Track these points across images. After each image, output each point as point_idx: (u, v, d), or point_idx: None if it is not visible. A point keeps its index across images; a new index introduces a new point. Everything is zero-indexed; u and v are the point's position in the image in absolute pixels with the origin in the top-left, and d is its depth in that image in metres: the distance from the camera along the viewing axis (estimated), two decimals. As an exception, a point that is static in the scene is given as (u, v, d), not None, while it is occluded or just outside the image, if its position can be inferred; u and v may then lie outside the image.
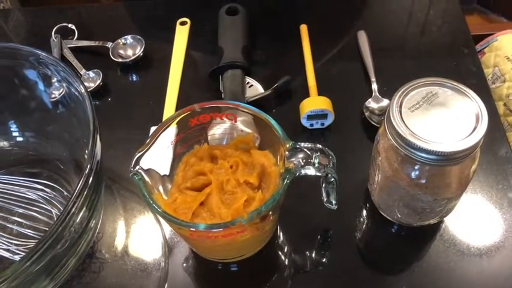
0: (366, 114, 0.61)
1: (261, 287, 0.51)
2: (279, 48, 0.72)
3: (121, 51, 0.71)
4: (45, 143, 0.59)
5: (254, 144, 0.50)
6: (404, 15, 0.75)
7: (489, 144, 0.57)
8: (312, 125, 0.61)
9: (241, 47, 0.66)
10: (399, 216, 0.51)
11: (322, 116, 0.60)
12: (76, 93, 0.49)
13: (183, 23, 0.74)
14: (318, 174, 0.45)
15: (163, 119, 0.63)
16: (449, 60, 0.68)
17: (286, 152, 0.45)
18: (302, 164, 0.44)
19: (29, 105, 0.57)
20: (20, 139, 0.60)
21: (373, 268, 0.51)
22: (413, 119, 0.41)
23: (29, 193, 0.54)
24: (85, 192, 0.42)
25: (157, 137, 0.46)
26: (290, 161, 0.44)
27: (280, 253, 0.53)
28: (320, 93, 0.63)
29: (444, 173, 0.43)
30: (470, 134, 0.40)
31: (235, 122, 0.50)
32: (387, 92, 0.63)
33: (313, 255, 0.52)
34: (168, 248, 0.53)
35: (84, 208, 0.43)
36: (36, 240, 0.51)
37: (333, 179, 0.46)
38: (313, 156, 0.44)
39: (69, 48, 0.71)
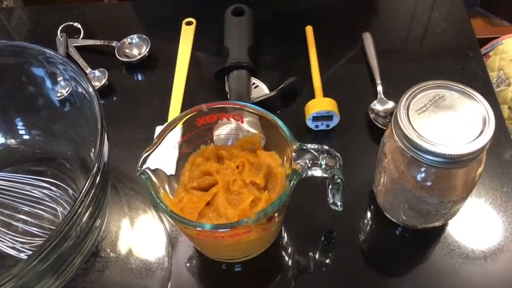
0: (371, 116, 0.61)
1: (264, 287, 0.51)
2: (285, 50, 0.72)
3: (127, 51, 0.72)
4: (51, 141, 0.59)
5: (260, 145, 0.50)
6: (409, 17, 0.75)
7: (494, 147, 0.57)
8: (317, 126, 0.61)
9: (247, 47, 0.66)
10: (404, 218, 0.51)
11: (328, 117, 0.60)
12: (84, 92, 0.49)
13: (189, 23, 0.74)
14: (325, 175, 0.45)
15: (169, 119, 0.63)
16: (454, 62, 0.68)
17: (293, 153, 0.45)
18: (309, 165, 0.44)
19: (36, 104, 0.58)
20: (26, 137, 0.60)
21: (377, 270, 0.52)
22: (420, 121, 0.42)
23: (34, 191, 0.54)
24: (92, 192, 0.42)
25: (165, 136, 0.46)
26: (297, 162, 0.44)
27: (284, 254, 0.53)
28: (325, 95, 0.63)
29: (450, 175, 0.44)
30: (477, 137, 0.40)
31: (242, 122, 0.50)
32: (392, 94, 0.63)
33: (318, 256, 0.52)
34: (172, 248, 0.53)
35: (91, 207, 0.43)
36: (42, 239, 0.51)
37: (339, 180, 0.46)
38: (320, 157, 0.44)
39: (75, 47, 0.71)
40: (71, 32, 0.73)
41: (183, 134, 0.49)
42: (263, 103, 0.62)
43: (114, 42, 0.72)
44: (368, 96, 0.64)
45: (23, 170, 0.58)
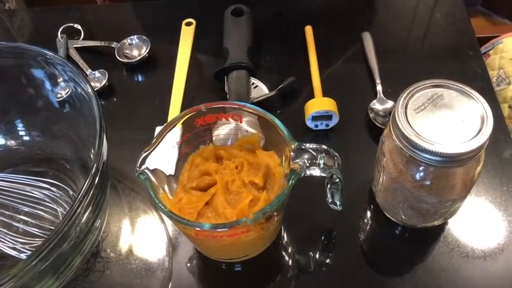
0: (371, 115, 0.61)
1: (264, 287, 0.51)
2: (284, 50, 0.72)
3: (127, 52, 0.72)
4: (51, 142, 0.59)
5: (259, 145, 0.50)
6: (409, 17, 0.75)
7: (493, 146, 0.57)
8: (316, 126, 0.61)
9: (246, 48, 0.66)
10: (403, 217, 0.51)
11: (327, 117, 0.60)
12: (83, 93, 0.49)
13: (188, 24, 0.74)
14: (323, 175, 0.45)
15: (169, 119, 0.63)
16: (454, 62, 0.68)
17: (292, 153, 0.45)
18: (307, 164, 0.44)
19: (35, 105, 0.58)
20: (26, 138, 0.60)
21: (377, 269, 0.52)
22: (418, 120, 0.42)
23: (34, 192, 0.55)
24: (91, 192, 0.42)
25: (163, 137, 0.46)
26: (295, 162, 0.44)
27: (284, 253, 0.53)
28: (325, 95, 0.63)
29: (449, 174, 0.44)
30: (475, 136, 0.40)
31: (241, 122, 0.50)
32: (392, 93, 0.63)
33: (317, 255, 0.52)
34: (172, 248, 0.53)
35: (90, 207, 0.43)
36: (42, 239, 0.51)
37: (338, 180, 0.46)
38: (319, 157, 0.44)
39: (75, 48, 0.72)
40: (72, 33, 0.74)
41: (182, 134, 0.49)
42: (263, 103, 0.62)
43: (114, 43, 0.72)
44: (367, 96, 0.64)
45: (23, 171, 0.58)
